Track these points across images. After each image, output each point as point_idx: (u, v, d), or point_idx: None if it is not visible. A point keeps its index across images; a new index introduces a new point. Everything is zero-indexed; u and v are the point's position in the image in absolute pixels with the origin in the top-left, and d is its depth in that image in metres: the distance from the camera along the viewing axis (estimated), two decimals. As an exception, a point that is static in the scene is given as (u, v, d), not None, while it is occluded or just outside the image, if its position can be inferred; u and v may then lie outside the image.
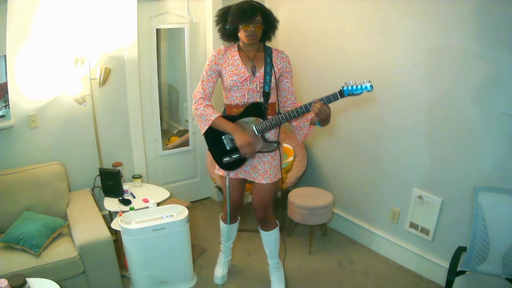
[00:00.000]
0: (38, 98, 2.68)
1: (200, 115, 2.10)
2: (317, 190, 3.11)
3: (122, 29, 2.89)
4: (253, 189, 2.29)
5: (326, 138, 3.24)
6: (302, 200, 2.92)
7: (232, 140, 2.12)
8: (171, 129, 3.89)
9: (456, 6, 2.18)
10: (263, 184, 2.22)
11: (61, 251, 2.23)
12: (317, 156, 3.37)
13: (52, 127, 2.79)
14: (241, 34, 2.01)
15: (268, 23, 2.03)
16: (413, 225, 2.69)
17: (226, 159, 2.16)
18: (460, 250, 2.20)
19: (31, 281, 1.76)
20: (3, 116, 2.55)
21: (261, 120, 2.10)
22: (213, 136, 2.17)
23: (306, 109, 1.98)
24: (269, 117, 2.11)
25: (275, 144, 2.18)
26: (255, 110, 2.10)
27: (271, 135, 2.17)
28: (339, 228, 3.28)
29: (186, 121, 3.62)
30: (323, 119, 1.96)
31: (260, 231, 2.41)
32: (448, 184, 2.45)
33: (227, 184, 2.26)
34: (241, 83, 2.07)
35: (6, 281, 1.62)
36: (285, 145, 3.40)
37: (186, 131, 3.59)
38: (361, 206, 3.06)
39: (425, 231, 2.62)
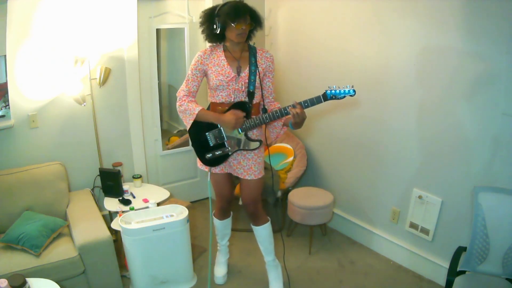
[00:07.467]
0: (38, 98, 2.68)
1: (184, 111, 2.15)
2: (317, 190, 3.11)
3: (122, 29, 2.89)
4: (240, 186, 2.35)
5: (326, 138, 3.24)
6: (302, 200, 2.92)
7: (215, 137, 2.18)
8: (171, 129, 3.89)
9: (455, 6, 2.18)
10: (248, 180, 2.27)
11: (61, 251, 2.23)
12: (317, 156, 3.37)
13: (52, 127, 2.79)
14: (231, 33, 2.03)
15: (256, 23, 2.07)
16: (413, 225, 2.69)
17: (208, 155, 2.21)
18: (460, 250, 2.20)
19: (31, 281, 1.76)
20: (3, 116, 2.55)
21: (245, 119, 2.14)
22: (197, 133, 2.22)
23: (286, 112, 2.01)
24: (253, 116, 2.14)
25: (258, 143, 2.21)
26: (240, 109, 2.13)
27: (253, 134, 2.21)
28: (339, 228, 3.28)
29: (186, 121, 3.61)
30: (297, 123, 2.00)
31: (252, 227, 2.45)
32: (448, 184, 2.45)
33: (208, 179, 2.33)
34: (226, 83, 2.10)
35: (6, 281, 1.63)
36: (285, 145, 3.40)
37: (186, 131, 3.59)
38: (361, 206, 3.06)
39: (425, 231, 2.62)
